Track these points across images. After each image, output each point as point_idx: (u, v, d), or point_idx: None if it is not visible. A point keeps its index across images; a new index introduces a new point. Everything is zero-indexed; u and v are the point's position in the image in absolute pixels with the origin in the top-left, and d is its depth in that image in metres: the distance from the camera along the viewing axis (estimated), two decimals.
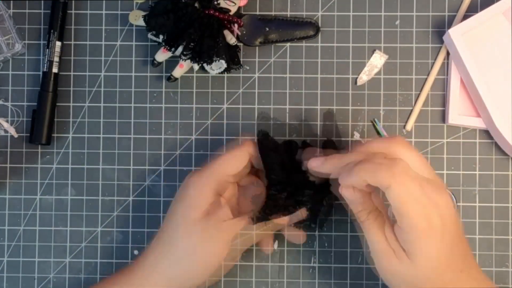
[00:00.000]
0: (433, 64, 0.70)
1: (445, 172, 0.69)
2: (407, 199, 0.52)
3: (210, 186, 0.61)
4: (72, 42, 0.70)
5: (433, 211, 0.52)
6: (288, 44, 0.70)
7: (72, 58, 0.70)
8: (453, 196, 0.69)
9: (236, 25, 0.68)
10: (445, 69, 0.70)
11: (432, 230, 0.52)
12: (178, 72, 0.68)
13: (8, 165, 0.70)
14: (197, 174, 0.62)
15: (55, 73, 0.69)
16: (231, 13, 0.67)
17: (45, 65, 0.69)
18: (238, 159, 0.62)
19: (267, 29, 0.70)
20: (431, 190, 0.53)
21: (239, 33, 0.69)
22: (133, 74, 0.70)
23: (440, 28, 0.70)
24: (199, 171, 0.62)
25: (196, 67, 0.68)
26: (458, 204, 0.69)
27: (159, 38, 0.67)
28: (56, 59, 0.69)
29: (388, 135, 0.69)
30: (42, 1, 0.71)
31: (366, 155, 0.55)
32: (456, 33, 0.66)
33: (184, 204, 0.61)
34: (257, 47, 0.70)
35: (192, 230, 0.60)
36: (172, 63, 0.69)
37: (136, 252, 0.69)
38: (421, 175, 0.53)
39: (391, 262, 0.55)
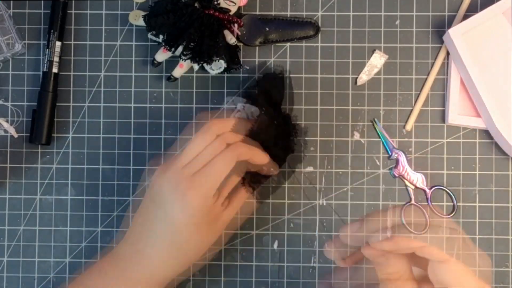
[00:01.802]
0: (433, 64, 0.70)
1: (445, 172, 0.69)
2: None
3: (212, 197, 0.60)
4: (72, 42, 0.70)
5: None
6: (288, 44, 0.70)
7: (72, 58, 0.70)
8: (453, 196, 0.69)
9: (236, 25, 0.68)
10: (445, 69, 0.70)
11: None
12: (178, 72, 0.68)
13: (8, 165, 0.70)
14: (197, 188, 0.60)
15: (55, 73, 0.69)
16: (231, 13, 0.67)
17: (45, 65, 0.69)
18: (227, 166, 0.61)
19: (267, 29, 0.70)
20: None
21: (239, 33, 0.69)
22: (133, 74, 0.70)
23: (440, 28, 0.70)
24: (198, 183, 0.60)
25: (196, 67, 0.68)
26: (458, 204, 0.69)
27: (159, 38, 0.67)
28: (56, 59, 0.69)
29: (388, 135, 0.69)
30: (42, 1, 0.71)
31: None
32: (456, 33, 0.66)
33: (187, 211, 0.59)
34: (257, 47, 0.70)
35: (189, 227, 0.60)
36: (172, 63, 0.69)
37: None
38: None
39: None
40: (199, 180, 0.60)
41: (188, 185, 0.59)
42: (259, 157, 0.63)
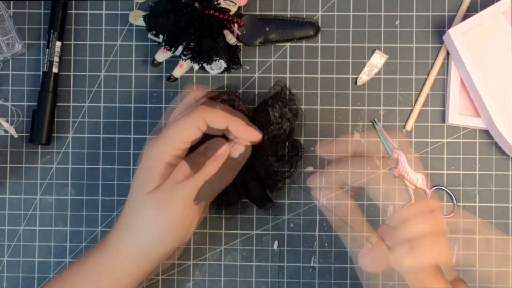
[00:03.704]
0: (433, 64, 0.70)
1: (445, 172, 0.69)
2: None
3: (163, 158, 0.60)
4: (72, 42, 0.71)
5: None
6: (288, 44, 0.70)
7: (72, 58, 0.70)
8: (453, 196, 0.69)
9: (236, 25, 0.68)
10: (445, 69, 0.70)
11: None
12: (178, 72, 0.68)
13: (8, 165, 0.70)
14: (152, 143, 0.61)
15: (55, 73, 0.69)
16: (231, 13, 0.67)
17: (45, 65, 0.69)
18: (191, 129, 0.60)
19: (267, 29, 0.70)
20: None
21: (239, 33, 0.69)
22: (133, 74, 0.70)
23: (440, 28, 0.70)
24: (154, 140, 0.61)
25: (196, 67, 0.68)
26: (458, 204, 0.69)
27: (159, 38, 0.67)
28: (56, 59, 0.69)
29: (389, 135, 0.69)
30: (42, 1, 0.71)
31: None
32: (456, 33, 0.66)
33: (141, 177, 0.60)
34: (257, 47, 0.70)
35: (148, 201, 0.59)
36: (172, 63, 0.69)
37: None
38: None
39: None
40: (160, 136, 0.60)
41: (151, 141, 0.61)
42: (234, 125, 0.61)
